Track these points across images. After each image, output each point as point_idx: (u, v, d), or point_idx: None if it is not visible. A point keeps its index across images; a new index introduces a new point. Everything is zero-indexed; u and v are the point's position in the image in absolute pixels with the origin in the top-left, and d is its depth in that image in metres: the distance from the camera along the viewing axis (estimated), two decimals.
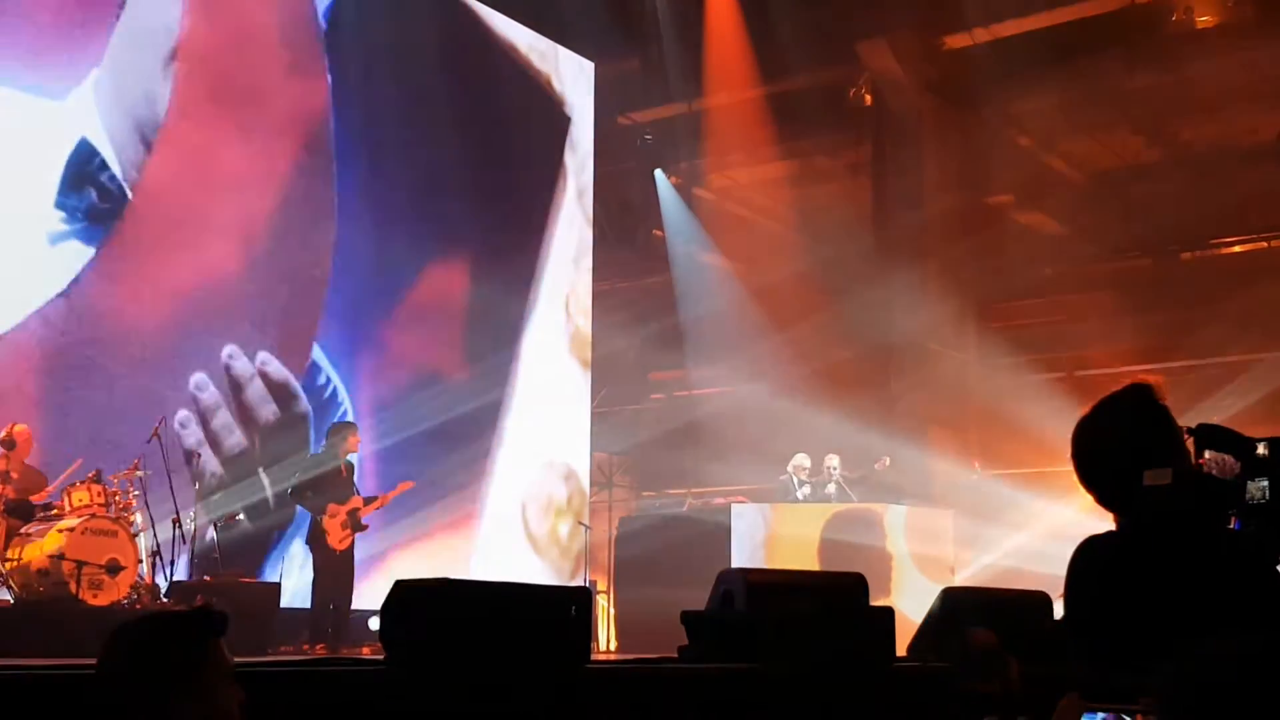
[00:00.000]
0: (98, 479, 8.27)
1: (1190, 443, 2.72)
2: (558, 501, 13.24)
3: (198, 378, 10.07)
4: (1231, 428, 2.78)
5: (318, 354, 11.12)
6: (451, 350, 12.27)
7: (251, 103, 10.66)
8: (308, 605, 9.26)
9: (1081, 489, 2.80)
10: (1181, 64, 13.25)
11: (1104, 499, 2.68)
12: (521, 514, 12.83)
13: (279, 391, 10.72)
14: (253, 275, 10.57)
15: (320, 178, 11.27)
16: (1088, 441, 2.72)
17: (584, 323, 13.91)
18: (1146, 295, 13.34)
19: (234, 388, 10.36)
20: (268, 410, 10.62)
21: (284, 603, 9.57)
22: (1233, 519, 2.68)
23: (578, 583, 12.47)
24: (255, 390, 10.53)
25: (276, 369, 10.72)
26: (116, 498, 8.32)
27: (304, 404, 10.90)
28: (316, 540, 9.21)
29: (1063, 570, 2.88)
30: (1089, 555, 2.65)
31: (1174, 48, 13.07)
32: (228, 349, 10.33)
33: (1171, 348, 13.33)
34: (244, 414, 10.42)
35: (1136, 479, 2.58)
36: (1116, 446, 2.68)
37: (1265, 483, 2.65)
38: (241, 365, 10.42)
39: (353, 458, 9.58)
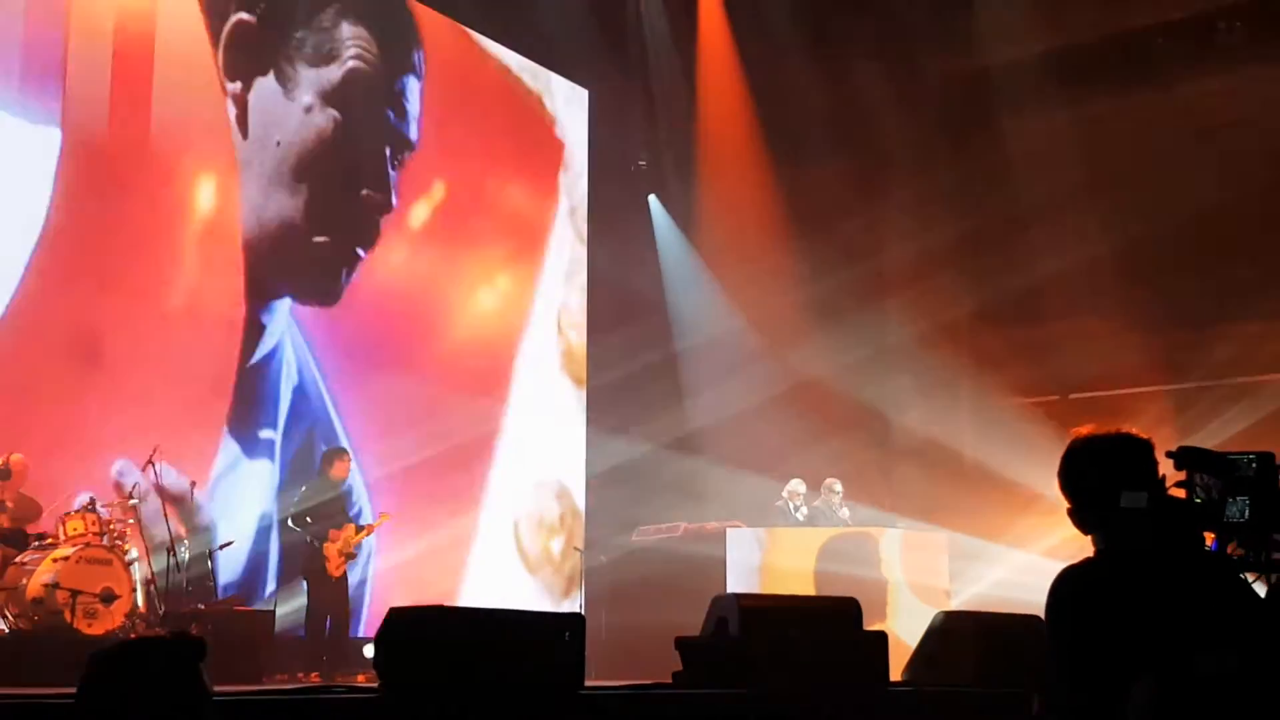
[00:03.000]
0: (92, 507, 8.26)
1: (1171, 465, 2.80)
2: (550, 520, 13.23)
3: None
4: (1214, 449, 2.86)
5: None
6: (445, 367, 12.27)
7: None
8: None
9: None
10: (1176, 85, 13.34)
11: (1081, 521, 2.77)
12: (514, 532, 12.82)
13: None
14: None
15: None
16: (1069, 464, 2.86)
17: (576, 339, 13.95)
18: (1147, 316, 13.36)
19: None
20: None
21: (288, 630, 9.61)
22: (1209, 539, 2.74)
23: (570, 601, 12.46)
24: None
25: None
26: (111, 526, 8.31)
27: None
28: (314, 568, 9.21)
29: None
30: (1067, 584, 2.72)
31: (1169, 70, 13.17)
32: None
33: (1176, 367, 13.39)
34: None
35: (1112, 502, 2.66)
36: (1095, 470, 2.76)
37: (1245, 500, 2.72)
38: None
39: (347, 483, 9.62)
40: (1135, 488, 2.71)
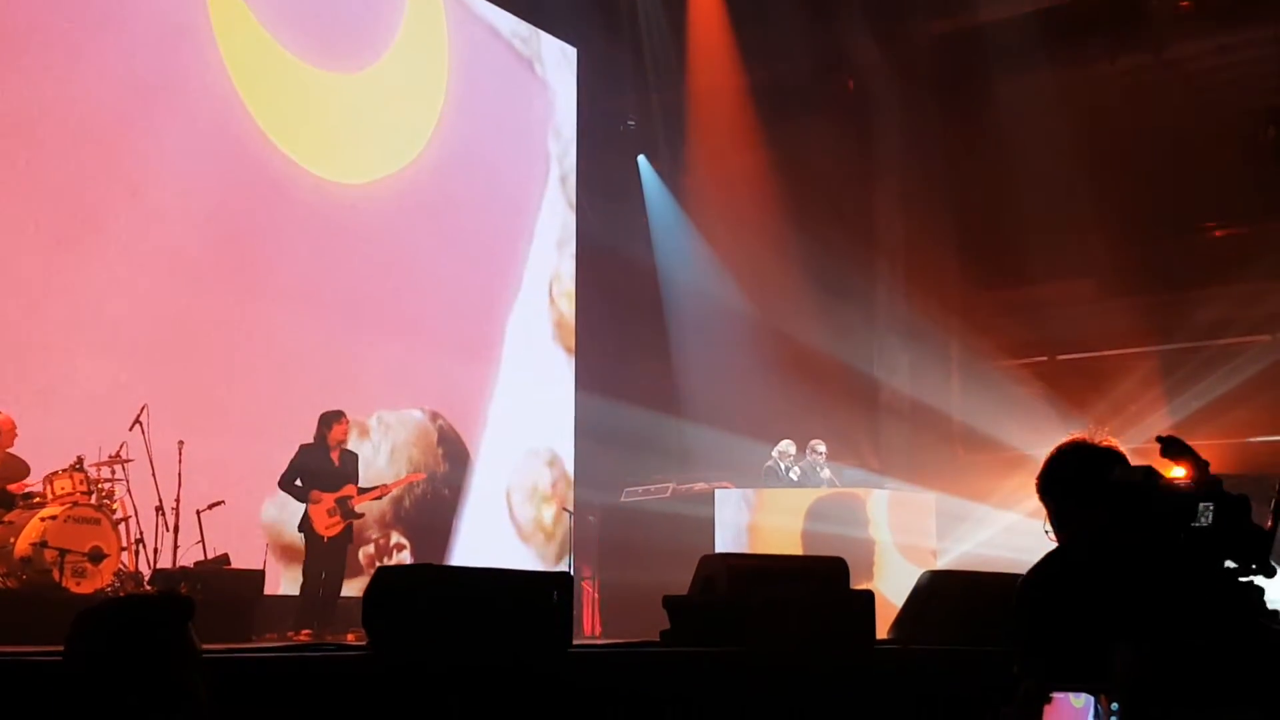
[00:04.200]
0: (79, 466, 8.25)
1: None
2: (542, 488, 13.26)
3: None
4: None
5: None
6: (436, 336, 12.25)
7: None
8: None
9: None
10: (1164, 47, 13.30)
11: (1055, 514, 2.91)
12: (506, 500, 12.85)
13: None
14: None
15: None
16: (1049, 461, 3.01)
17: (567, 308, 13.92)
18: (1135, 278, 13.38)
19: None
20: None
21: (281, 590, 9.63)
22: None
23: (562, 568, 12.50)
24: None
25: None
26: (99, 485, 8.31)
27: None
28: (305, 527, 9.27)
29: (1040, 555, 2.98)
30: (1039, 578, 2.85)
31: (1160, 30, 13.13)
32: None
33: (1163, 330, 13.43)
34: None
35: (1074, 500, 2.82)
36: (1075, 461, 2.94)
37: (1212, 506, 2.80)
38: None
39: (351, 446, 9.66)
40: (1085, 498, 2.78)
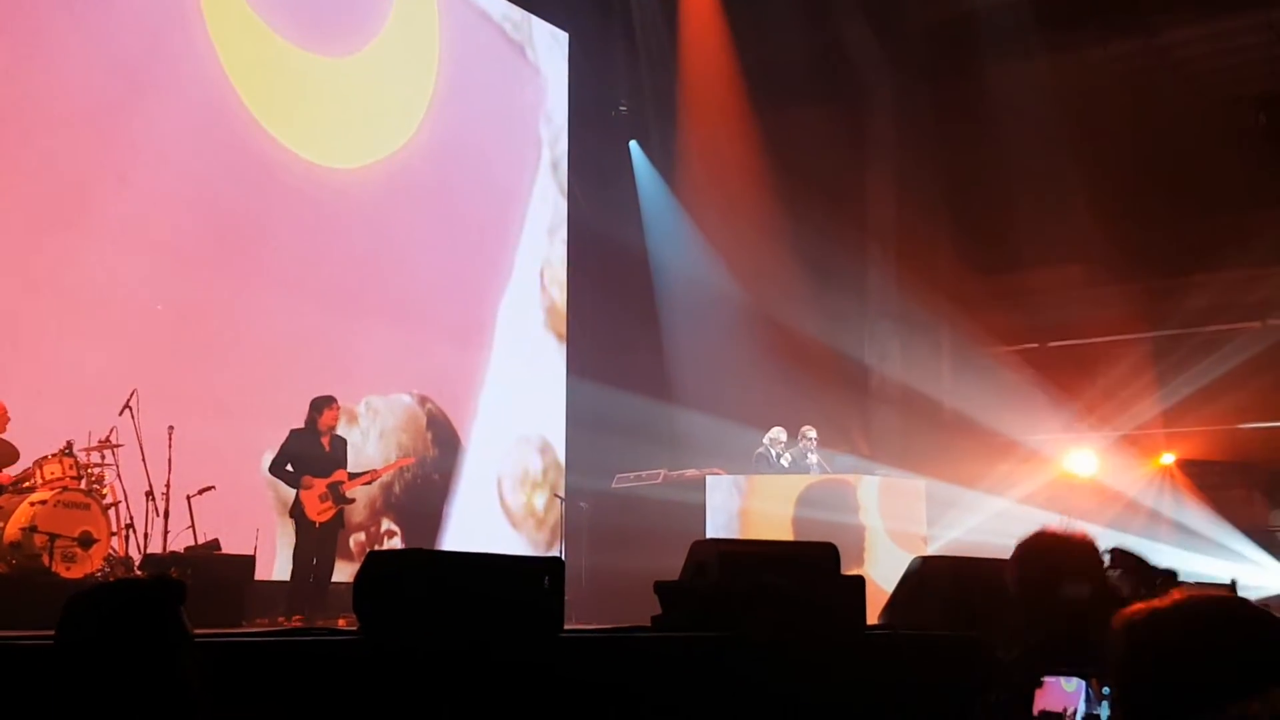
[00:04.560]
0: (69, 451, 8.23)
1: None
2: (533, 474, 13.25)
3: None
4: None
5: None
6: (427, 322, 12.23)
7: None
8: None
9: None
10: (1155, 34, 13.30)
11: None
12: (497, 487, 12.85)
13: None
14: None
15: None
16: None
17: (559, 294, 13.90)
18: (1127, 264, 13.41)
19: None
20: None
21: (273, 575, 9.61)
22: None
23: (553, 553, 12.51)
24: None
25: None
26: (89, 470, 8.29)
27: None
28: (296, 513, 9.26)
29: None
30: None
31: (1151, 17, 13.13)
32: None
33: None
34: None
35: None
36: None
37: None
38: None
39: (340, 432, 9.65)
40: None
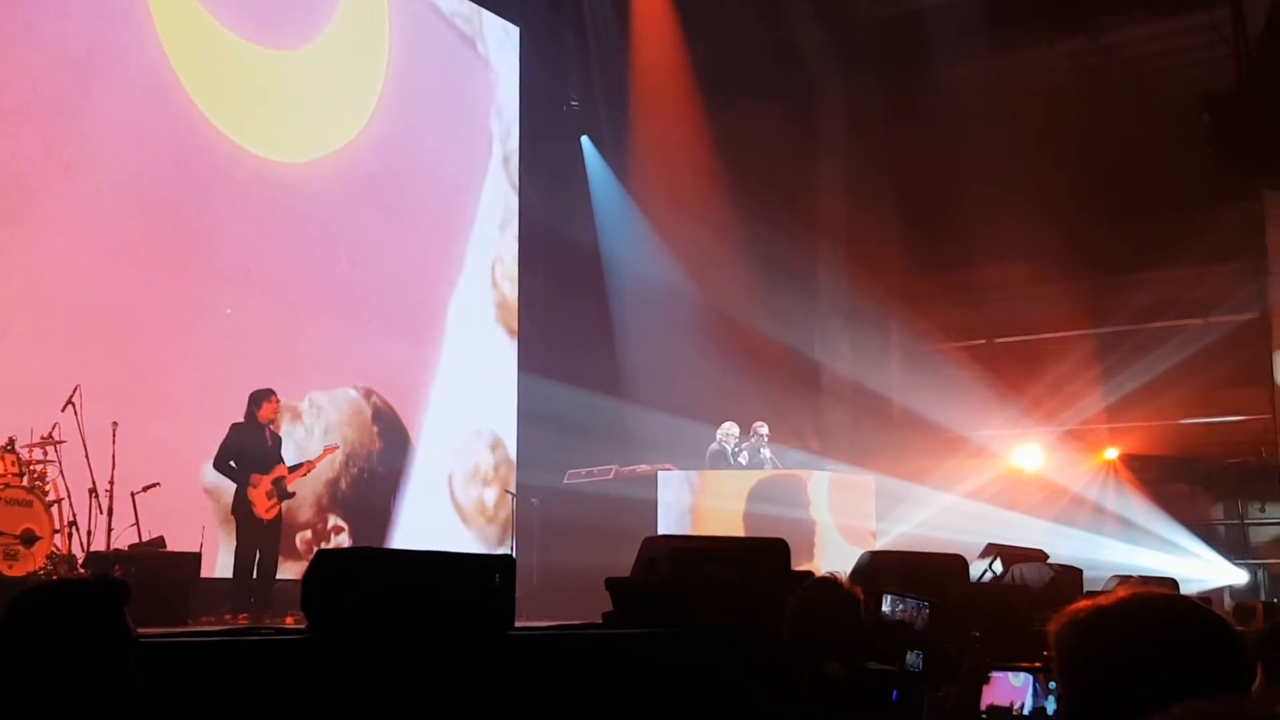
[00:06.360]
0: (11, 448, 8.10)
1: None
2: (484, 470, 13.21)
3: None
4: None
5: None
6: (376, 318, 12.15)
7: None
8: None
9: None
10: (1101, 33, 13.46)
11: None
12: (448, 483, 12.79)
13: None
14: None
15: None
16: None
17: (510, 290, 13.85)
18: (1072, 262, 13.55)
19: None
20: None
21: (216, 573, 9.51)
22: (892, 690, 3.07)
23: (504, 549, 12.48)
24: None
25: None
26: (31, 467, 8.16)
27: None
28: (242, 511, 9.17)
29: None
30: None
31: (1096, 17, 13.29)
32: None
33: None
34: None
35: None
36: None
37: (920, 654, 3.04)
38: None
39: (285, 428, 9.57)
40: None
